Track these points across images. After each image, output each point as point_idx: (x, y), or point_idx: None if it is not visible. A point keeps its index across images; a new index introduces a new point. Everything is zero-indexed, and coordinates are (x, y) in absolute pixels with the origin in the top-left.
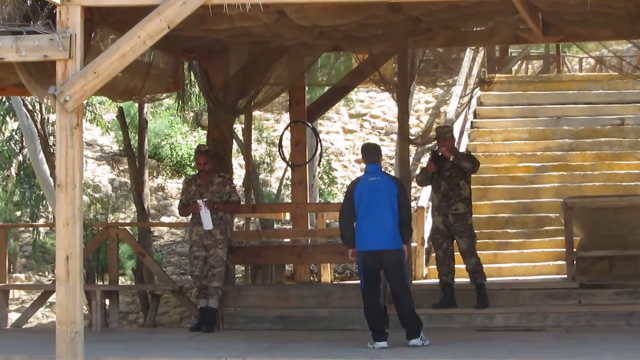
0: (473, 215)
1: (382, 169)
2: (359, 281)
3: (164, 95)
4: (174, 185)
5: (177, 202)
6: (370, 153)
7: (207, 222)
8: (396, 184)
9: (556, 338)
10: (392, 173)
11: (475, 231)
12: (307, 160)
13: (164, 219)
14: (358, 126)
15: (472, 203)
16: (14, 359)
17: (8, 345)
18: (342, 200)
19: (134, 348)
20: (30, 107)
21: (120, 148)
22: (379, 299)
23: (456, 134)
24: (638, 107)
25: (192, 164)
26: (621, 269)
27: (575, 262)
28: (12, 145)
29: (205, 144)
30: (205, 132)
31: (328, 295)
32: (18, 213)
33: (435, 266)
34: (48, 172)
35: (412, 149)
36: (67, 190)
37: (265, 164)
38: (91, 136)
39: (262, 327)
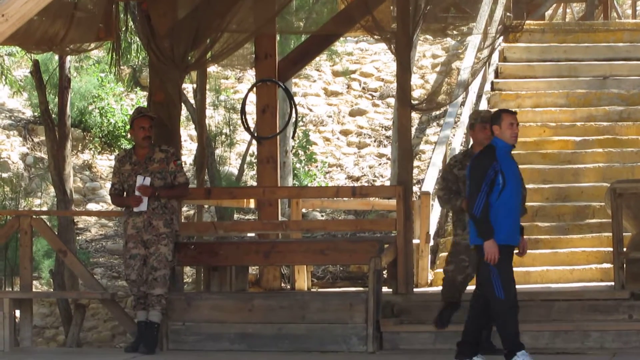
0: None
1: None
2: (342, 289)
3: (93, 45)
4: (105, 163)
5: (108, 185)
6: None
7: (143, 204)
8: None
9: None
10: (388, 147)
11: None
12: (277, 131)
13: (92, 206)
14: (344, 87)
15: None
16: None
17: None
18: (320, 184)
19: None
20: None
21: (36, 114)
22: None
23: (472, 98)
24: None
25: (129, 135)
26: None
27: (625, 265)
28: None
29: (146, 107)
30: (145, 93)
31: (304, 307)
32: None
33: (444, 285)
34: None
35: (415, 116)
36: None
37: (224, 136)
38: None
39: (219, 348)
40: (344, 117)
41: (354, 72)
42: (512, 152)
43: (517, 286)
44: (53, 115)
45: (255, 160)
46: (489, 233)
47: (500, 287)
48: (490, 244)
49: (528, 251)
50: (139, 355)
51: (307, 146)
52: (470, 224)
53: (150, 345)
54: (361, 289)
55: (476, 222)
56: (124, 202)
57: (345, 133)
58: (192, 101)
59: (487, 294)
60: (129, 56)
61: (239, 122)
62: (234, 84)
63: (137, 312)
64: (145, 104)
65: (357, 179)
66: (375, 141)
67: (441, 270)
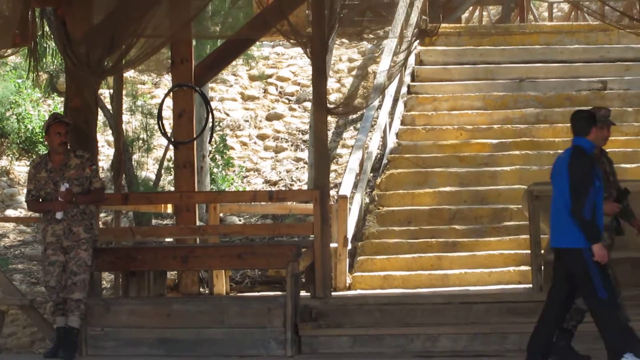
0: (411, 207)
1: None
2: (261, 293)
3: (9, 51)
4: (23, 169)
5: (25, 191)
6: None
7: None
8: None
9: None
10: (305, 151)
11: (414, 227)
12: (194, 135)
13: (10, 212)
14: (261, 91)
15: (412, 191)
16: None
17: None
18: (237, 188)
19: None
20: None
21: None
22: None
23: (388, 101)
24: (624, 67)
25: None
26: None
27: (543, 267)
28: None
29: (61, 113)
30: (62, 99)
31: (223, 311)
32: None
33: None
34: None
35: (332, 120)
36: None
37: (141, 141)
38: None
39: (138, 353)
40: (260, 121)
41: (270, 76)
42: (429, 154)
43: (435, 289)
44: None
45: (173, 165)
46: (598, 235)
47: (602, 287)
48: (600, 245)
49: (446, 253)
50: None
51: (225, 151)
52: (559, 226)
53: (70, 351)
54: (279, 293)
55: (586, 225)
56: (44, 208)
57: (262, 137)
58: (109, 106)
59: (587, 296)
60: (45, 61)
61: (156, 127)
62: (151, 89)
63: (56, 318)
64: (62, 109)
65: (275, 183)
66: (292, 145)
67: (359, 273)
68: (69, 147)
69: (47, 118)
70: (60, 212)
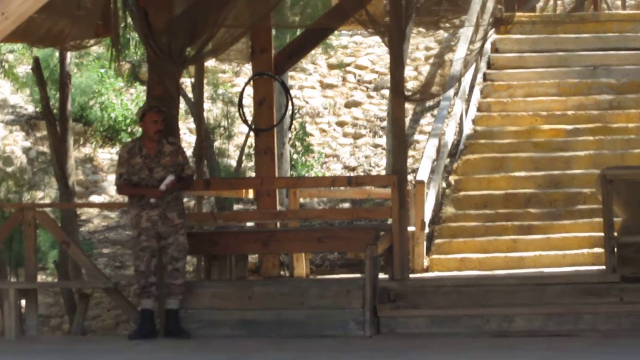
0: (487, 192)
1: (371, 132)
2: (340, 275)
3: (92, 41)
4: (106, 156)
5: (110, 178)
6: None
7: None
8: None
9: (591, 345)
10: (383, 138)
11: (490, 211)
12: (274, 123)
13: (94, 198)
14: (340, 80)
15: (488, 176)
16: None
17: None
18: (317, 174)
19: None
20: None
21: (37, 109)
22: None
23: (465, 89)
24: None
25: (129, 129)
26: None
27: (616, 249)
28: None
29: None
30: (144, 88)
31: (303, 293)
32: None
33: None
34: None
35: (409, 107)
36: None
37: (222, 128)
38: (1, 95)
39: (220, 334)
40: (339, 108)
41: (348, 64)
42: (505, 140)
43: (510, 271)
44: (54, 111)
45: (253, 152)
46: None
47: None
48: None
49: (522, 236)
50: (142, 342)
51: (304, 137)
52: None
53: (176, 330)
54: (358, 275)
55: None
56: (138, 192)
57: (341, 124)
58: (190, 95)
59: None
60: (127, 52)
61: (237, 114)
62: (232, 78)
63: (141, 301)
64: (145, 98)
65: (353, 169)
66: (370, 132)
67: (436, 256)
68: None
69: (130, 107)
70: (155, 198)
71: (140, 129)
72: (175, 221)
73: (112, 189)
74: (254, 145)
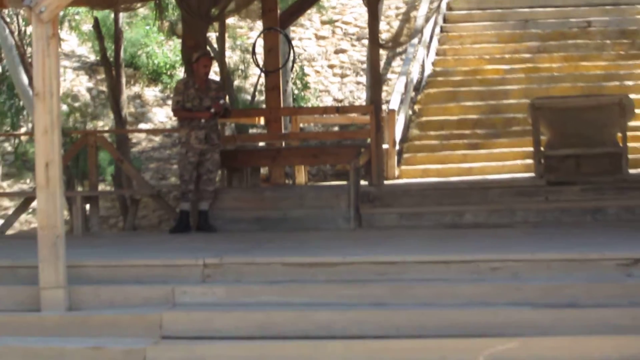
0: (443, 117)
1: (354, 72)
2: (331, 183)
3: (140, 4)
4: (151, 93)
5: (155, 110)
6: None
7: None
8: None
9: (525, 234)
10: (364, 77)
11: (446, 132)
12: (280, 66)
13: (142, 125)
14: (330, 32)
15: (444, 105)
16: None
17: None
18: (313, 105)
19: (115, 251)
20: (7, 19)
21: (97, 58)
22: None
23: (426, 38)
24: (604, 10)
25: (169, 72)
26: (587, 167)
27: (542, 160)
28: None
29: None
30: (180, 40)
31: (302, 196)
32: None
33: None
34: (27, 82)
35: (383, 53)
36: (45, 99)
37: (240, 71)
38: (69, 47)
39: (239, 229)
40: (330, 55)
41: (337, 21)
42: (457, 77)
43: (461, 178)
44: (110, 59)
45: (264, 89)
46: None
47: None
48: None
49: (470, 151)
50: (179, 235)
51: (303, 77)
52: None
53: (206, 226)
54: (345, 182)
55: None
56: (190, 115)
57: (331, 67)
58: (215, 45)
59: None
60: (167, 12)
61: (251, 60)
62: (247, 32)
63: (180, 203)
64: (180, 48)
65: (341, 101)
66: (353, 72)
67: (405, 167)
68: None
69: (169, 55)
70: (205, 118)
71: (181, 72)
72: (214, 141)
73: (156, 119)
74: (264, 83)
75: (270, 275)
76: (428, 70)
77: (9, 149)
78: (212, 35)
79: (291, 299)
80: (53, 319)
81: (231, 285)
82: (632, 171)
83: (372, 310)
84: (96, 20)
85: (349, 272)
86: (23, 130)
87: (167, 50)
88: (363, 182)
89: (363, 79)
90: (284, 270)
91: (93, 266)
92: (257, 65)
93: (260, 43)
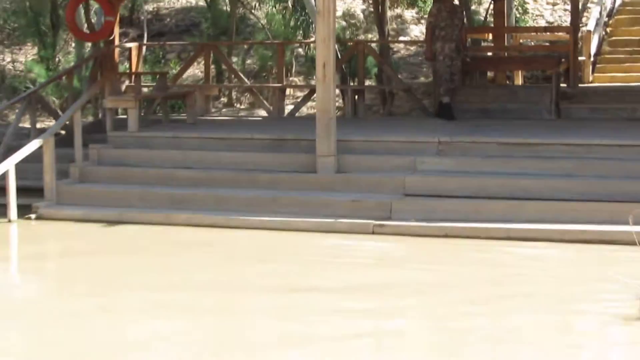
0: (628, 37)
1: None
2: (539, 85)
3: None
4: (409, 14)
5: (412, 26)
6: None
7: None
8: None
9: None
10: (569, 5)
11: (629, 48)
12: None
13: (401, 38)
14: None
15: (629, 28)
16: (286, 136)
17: (284, 126)
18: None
19: (373, 130)
20: None
21: None
22: None
23: None
24: None
25: None
26: None
27: None
28: None
29: None
30: None
31: (516, 93)
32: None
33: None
34: (314, 2)
35: None
36: (324, 16)
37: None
38: None
39: (467, 117)
40: None
41: None
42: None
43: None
44: None
45: (492, 13)
46: None
47: None
48: None
49: None
50: (429, 119)
51: (524, 4)
52: None
53: (446, 114)
54: (549, 84)
55: None
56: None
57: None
58: None
59: None
60: None
61: None
62: None
63: (444, 97)
64: None
65: (551, 23)
66: (562, 1)
67: (597, 74)
68: None
69: None
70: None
71: None
72: (459, 51)
73: (412, 34)
74: (492, 9)
75: (487, 152)
76: (619, 1)
77: (302, 53)
78: None
79: (501, 170)
80: (325, 179)
81: (458, 158)
82: None
83: (562, 180)
84: None
85: (547, 150)
86: (312, 39)
87: None
88: (563, 85)
89: (569, 6)
90: (498, 148)
91: (357, 141)
92: None
93: None
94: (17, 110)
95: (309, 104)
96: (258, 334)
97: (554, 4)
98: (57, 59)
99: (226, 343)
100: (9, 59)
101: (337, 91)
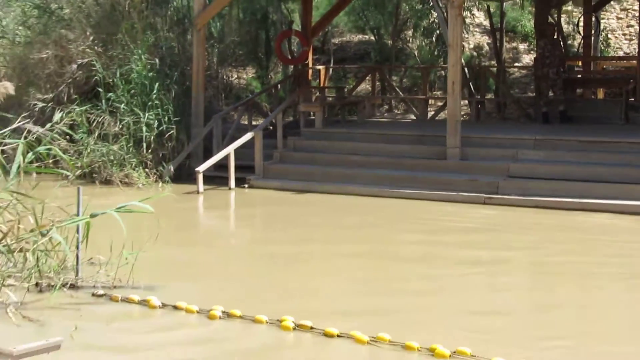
0: None
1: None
2: (614, 99)
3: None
4: (522, 46)
5: (524, 55)
6: None
7: None
8: None
9: None
10: None
11: None
12: (592, 32)
13: (515, 64)
14: (624, 14)
15: None
16: (426, 133)
17: (426, 126)
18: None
19: (484, 129)
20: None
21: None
22: None
23: None
24: None
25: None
26: None
27: None
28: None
29: None
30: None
31: (595, 105)
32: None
33: None
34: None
35: None
36: (454, 47)
37: (571, 36)
38: (478, 19)
39: (559, 122)
40: (624, 27)
41: (629, 9)
42: None
43: None
44: (496, 25)
45: (582, 46)
46: None
47: None
48: None
49: None
50: (542, 124)
51: (607, 39)
52: None
53: (546, 119)
54: (621, 99)
55: None
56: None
57: (624, 34)
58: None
59: None
60: None
61: (576, 29)
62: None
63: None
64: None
65: (628, 54)
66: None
67: None
68: None
69: None
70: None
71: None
72: (560, 75)
73: (524, 61)
74: (582, 43)
75: (570, 147)
76: None
77: (442, 74)
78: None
79: (580, 160)
80: (451, 164)
81: (549, 151)
82: None
83: (625, 168)
84: (488, 8)
85: (615, 147)
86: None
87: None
88: (631, 99)
89: None
90: (578, 144)
91: (475, 137)
92: (578, 32)
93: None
94: (238, 112)
95: (445, 111)
96: (402, 274)
97: (630, 40)
98: (269, 76)
99: (382, 279)
100: (235, 76)
101: (465, 102)
